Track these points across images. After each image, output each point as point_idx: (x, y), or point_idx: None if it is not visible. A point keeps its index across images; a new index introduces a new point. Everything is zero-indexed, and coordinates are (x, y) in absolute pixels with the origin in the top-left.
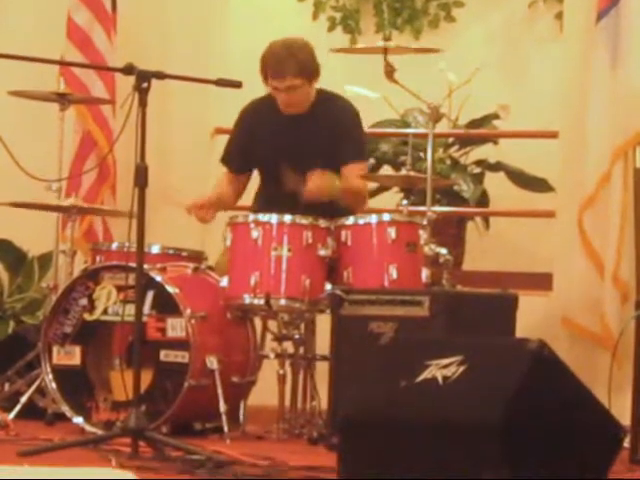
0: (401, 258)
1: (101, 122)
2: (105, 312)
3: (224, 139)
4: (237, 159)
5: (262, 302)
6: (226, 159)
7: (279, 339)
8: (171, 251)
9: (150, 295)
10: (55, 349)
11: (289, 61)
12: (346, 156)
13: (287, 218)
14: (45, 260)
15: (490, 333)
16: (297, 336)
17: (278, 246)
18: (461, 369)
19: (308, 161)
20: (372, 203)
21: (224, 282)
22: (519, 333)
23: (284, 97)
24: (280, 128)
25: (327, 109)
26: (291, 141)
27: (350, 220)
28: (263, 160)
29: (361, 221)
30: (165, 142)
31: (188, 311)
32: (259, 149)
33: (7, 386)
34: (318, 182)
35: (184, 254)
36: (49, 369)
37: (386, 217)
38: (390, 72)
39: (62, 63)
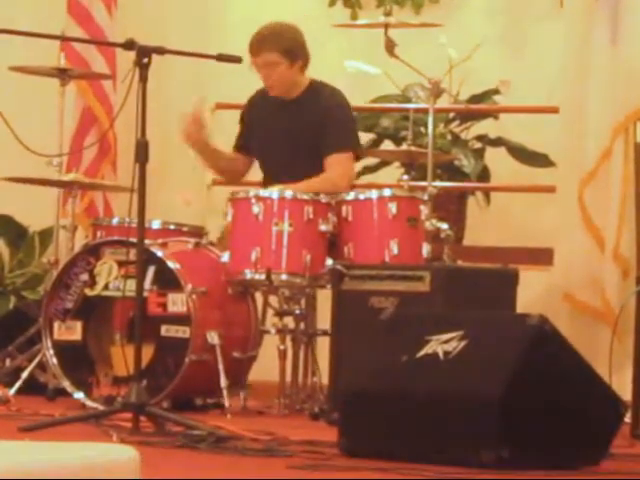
0: (402, 233)
1: (102, 97)
2: (106, 287)
3: (224, 114)
4: (242, 143)
5: (263, 277)
6: (236, 144)
7: (280, 314)
8: (172, 226)
9: (151, 270)
10: (56, 324)
11: (267, 37)
12: (327, 147)
13: (288, 193)
14: (46, 235)
15: (491, 308)
16: (298, 311)
17: (279, 221)
18: (462, 344)
19: (294, 148)
20: (373, 178)
21: (225, 257)
22: (520, 308)
23: (262, 74)
24: (270, 114)
25: (313, 97)
26: (279, 127)
27: (351, 195)
28: (258, 147)
29: (362, 196)
30: (166, 118)
31: (189, 286)
32: (255, 136)
33: (8, 361)
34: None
35: (185, 229)
36: (50, 344)
37: (387, 192)
38: (391, 47)
39: (63, 38)
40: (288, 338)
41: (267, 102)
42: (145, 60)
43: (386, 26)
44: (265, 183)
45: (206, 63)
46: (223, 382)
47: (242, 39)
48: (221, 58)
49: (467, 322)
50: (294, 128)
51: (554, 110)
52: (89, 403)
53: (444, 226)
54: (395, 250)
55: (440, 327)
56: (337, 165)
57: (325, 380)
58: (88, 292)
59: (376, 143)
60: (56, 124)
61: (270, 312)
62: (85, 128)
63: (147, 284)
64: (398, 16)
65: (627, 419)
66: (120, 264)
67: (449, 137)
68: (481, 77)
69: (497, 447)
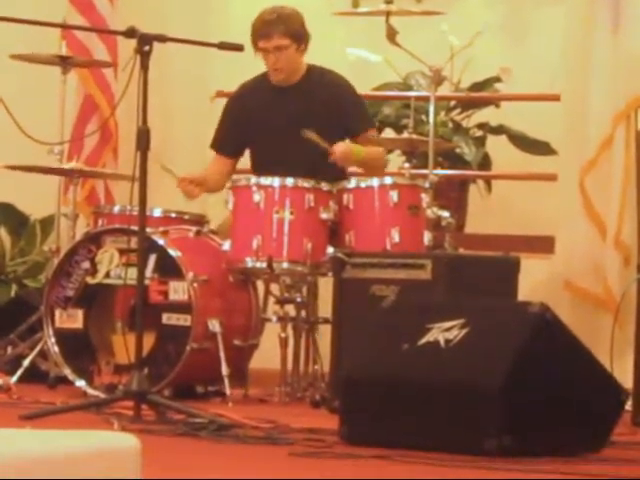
0: (403, 221)
1: (103, 85)
2: (107, 275)
3: (225, 102)
4: (230, 142)
5: (264, 265)
6: (217, 145)
7: (281, 302)
8: (173, 214)
9: (152, 258)
10: (57, 312)
11: (277, 21)
12: (359, 126)
13: (289, 181)
14: (47, 223)
15: (492, 296)
16: (299, 299)
17: (280, 209)
18: (463, 332)
19: (298, 130)
20: None
21: (226, 245)
22: (521, 296)
23: (272, 58)
24: (271, 101)
25: (319, 81)
26: (283, 113)
27: (352, 183)
28: (257, 137)
29: (363, 184)
30: (167, 105)
31: (190, 274)
32: (253, 127)
33: (9, 349)
34: (344, 148)
35: (186, 217)
36: (51, 332)
37: (388, 180)
38: (392, 35)
39: (64, 26)
40: (289, 326)
41: (261, 91)
42: (146, 48)
43: (387, 14)
44: (261, 172)
45: (207, 51)
46: (224, 370)
47: (243, 27)
48: (223, 46)
49: (468, 310)
50: (301, 112)
51: (555, 98)
52: (90, 391)
53: (445, 214)
54: (396, 238)
55: (441, 315)
56: (376, 142)
57: (326, 368)
58: (89, 280)
59: (377, 131)
60: (57, 112)
61: (271, 300)
62: (86, 116)
63: (148, 272)
64: (399, 4)
65: (628, 407)
66: (121, 252)
67: (450, 125)
68: (482, 65)
69: (499, 435)
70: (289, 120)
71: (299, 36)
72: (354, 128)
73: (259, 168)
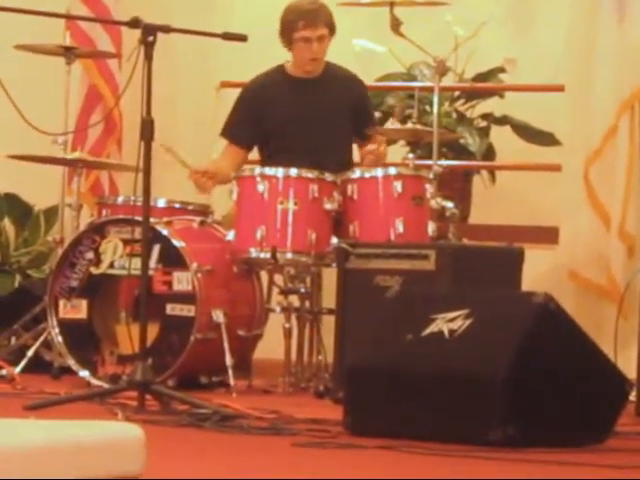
0: (407, 212)
1: (107, 76)
2: (111, 266)
3: (229, 93)
4: (246, 132)
5: (268, 256)
6: (230, 133)
7: (285, 293)
8: (177, 205)
9: (156, 249)
10: (61, 303)
11: (320, 10)
12: (370, 120)
13: (293, 172)
14: (51, 214)
15: (496, 287)
16: (303, 290)
17: (284, 200)
18: (467, 322)
19: (330, 124)
20: None
21: (230, 236)
22: (525, 286)
23: (316, 47)
24: (293, 94)
25: (337, 75)
26: (309, 105)
27: (356, 174)
28: (277, 129)
29: (367, 175)
30: (171, 96)
31: (194, 265)
32: (272, 120)
33: (13, 340)
34: (382, 149)
35: (190, 208)
36: (55, 323)
37: (392, 171)
38: (396, 25)
39: (68, 17)
40: (293, 316)
41: (283, 84)
42: (150, 38)
43: (391, 4)
44: (279, 164)
45: (211, 42)
46: (228, 360)
47: (247, 18)
48: (227, 36)
49: (472, 300)
50: (326, 104)
51: (560, 88)
52: (94, 381)
53: (449, 204)
54: (400, 229)
55: (445, 305)
56: (381, 136)
57: (330, 358)
58: (93, 270)
59: (381, 121)
60: (61, 102)
61: (275, 290)
62: (90, 106)
63: (152, 262)
64: None
65: (632, 397)
66: (125, 242)
67: (454, 115)
68: (487, 55)
69: (503, 425)
70: (315, 112)
71: (334, 28)
72: (366, 121)
73: (276, 160)
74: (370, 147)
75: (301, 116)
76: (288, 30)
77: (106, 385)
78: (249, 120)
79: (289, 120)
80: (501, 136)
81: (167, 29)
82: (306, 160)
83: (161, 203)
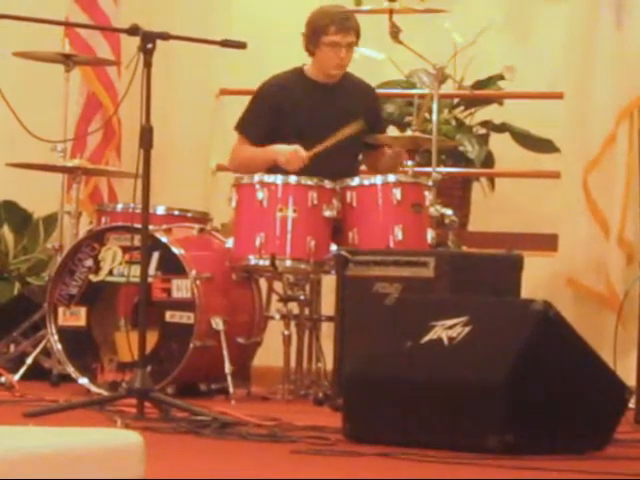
0: (406, 219)
1: (106, 83)
2: (110, 273)
3: (229, 100)
4: (261, 130)
5: (267, 263)
6: (246, 129)
7: (284, 300)
8: (176, 212)
9: (155, 256)
10: (60, 310)
11: (352, 18)
12: (381, 127)
13: (292, 179)
14: (50, 221)
15: (495, 294)
16: (302, 297)
17: (283, 207)
18: (466, 330)
19: (338, 129)
20: None
21: (229, 243)
22: (524, 294)
23: (344, 53)
24: (317, 99)
25: (355, 83)
26: (325, 109)
27: (355, 181)
28: (295, 131)
29: (366, 182)
30: (170, 103)
31: (193, 272)
32: (291, 122)
33: (12, 347)
34: (405, 156)
35: (189, 215)
36: (54, 330)
37: (391, 178)
38: (395, 33)
39: (67, 24)
40: (292, 324)
41: (305, 87)
42: (149, 46)
43: (390, 12)
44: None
45: (210, 49)
46: (227, 368)
47: (246, 26)
48: (226, 44)
49: (471, 308)
50: (347, 109)
51: (559, 96)
52: (93, 389)
53: (448, 212)
54: (399, 236)
55: (444, 313)
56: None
57: (329, 366)
58: (92, 278)
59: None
60: (60, 110)
61: (274, 298)
62: (89, 114)
63: (151, 270)
64: (402, 1)
65: (631, 405)
66: (124, 250)
67: (453, 123)
68: (486, 63)
69: (502, 432)
70: (331, 118)
71: (359, 38)
72: (379, 128)
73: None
74: (395, 149)
75: (318, 120)
76: (317, 33)
77: (105, 392)
78: (267, 120)
79: (306, 124)
80: (500, 143)
81: (166, 36)
82: (318, 165)
83: (160, 210)
